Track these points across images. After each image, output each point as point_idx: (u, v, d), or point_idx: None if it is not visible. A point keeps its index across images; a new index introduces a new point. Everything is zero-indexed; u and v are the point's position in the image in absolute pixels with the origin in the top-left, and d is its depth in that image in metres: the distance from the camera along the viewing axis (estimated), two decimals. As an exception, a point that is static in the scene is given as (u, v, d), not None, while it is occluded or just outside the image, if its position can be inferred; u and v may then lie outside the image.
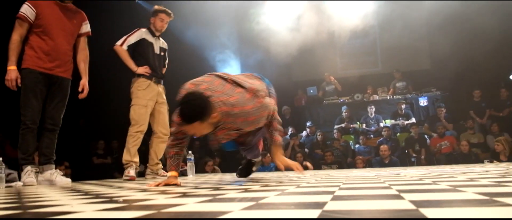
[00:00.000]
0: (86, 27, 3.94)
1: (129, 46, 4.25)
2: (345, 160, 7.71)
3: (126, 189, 2.23)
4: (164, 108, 4.41)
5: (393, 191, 1.36)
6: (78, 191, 2.24)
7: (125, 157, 4.33)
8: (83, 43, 3.94)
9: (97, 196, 1.75)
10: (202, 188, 2.11)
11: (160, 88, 4.38)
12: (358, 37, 10.24)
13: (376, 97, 9.69)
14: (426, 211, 0.82)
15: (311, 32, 9.49)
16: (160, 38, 4.50)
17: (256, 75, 2.81)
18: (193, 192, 1.79)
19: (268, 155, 7.92)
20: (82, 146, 8.77)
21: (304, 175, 2.72)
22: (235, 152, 8.97)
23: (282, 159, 2.57)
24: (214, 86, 2.32)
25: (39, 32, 3.57)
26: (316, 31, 9.46)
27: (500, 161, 6.51)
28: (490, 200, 0.99)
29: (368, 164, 7.29)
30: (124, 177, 4.30)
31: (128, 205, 1.24)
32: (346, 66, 11.03)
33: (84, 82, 3.87)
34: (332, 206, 1.00)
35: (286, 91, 10.69)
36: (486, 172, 2.65)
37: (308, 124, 9.08)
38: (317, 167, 7.25)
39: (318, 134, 8.47)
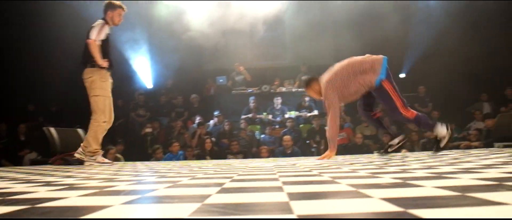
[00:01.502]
0: None
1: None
2: (250, 149, 7.91)
3: (7, 180, 2.07)
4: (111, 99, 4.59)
5: (278, 183, 1.44)
6: (-50, 182, 2.02)
7: (94, 146, 4.41)
8: None
9: (-31, 188, 1.59)
10: (94, 179, 2.03)
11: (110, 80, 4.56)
12: (269, 30, 10.51)
13: (283, 89, 10.06)
14: (295, 204, 0.89)
15: (223, 23, 9.52)
16: None
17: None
18: (82, 183, 1.72)
19: (176, 144, 7.85)
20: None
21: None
22: (141, 140, 8.71)
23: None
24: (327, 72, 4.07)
25: None
26: (228, 22, 9.51)
27: (387, 152, 7.19)
28: (355, 191, 1.10)
29: (272, 154, 7.56)
30: (98, 163, 4.39)
31: (1, 199, 1.15)
32: (256, 58, 11.26)
33: None
34: (215, 199, 1.03)
35: (196, 79, 10.63)
36: (370, 163, 2.91)
37: (216, 113, 9.14)
38: (222, 156, 7.35)
39: (226, 123, 8.56)
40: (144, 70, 10.70)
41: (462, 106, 9.32)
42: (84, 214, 0.82)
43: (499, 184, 1.11)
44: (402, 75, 10.56)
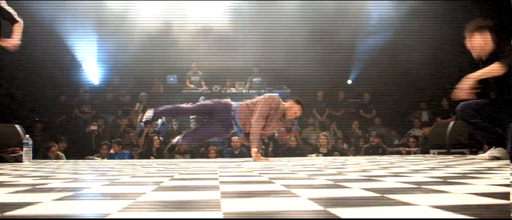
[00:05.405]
0: None
1: None
2: (198, 149, 7.87)
3: None
4: None
5: (216, 182, 1.46)
6: None
7: None
8: None
9: None
10: (29, 176, 1.96)
11: None
12: (223, 31, 10.51)
13: (233, 90, 10.09)
14: (225, 202, 0.92)
15: (176, 21, 9.42)
16: None
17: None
18: (13, 181, 1.66)
19: (115, 145, 7.65)
20: None
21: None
22: (84, 137, 8.40)
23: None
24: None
25: None
26: (181, 21, 9.43)
27: (320, 153, 7.47)
28: (287, 191, 1.15)
29: (220, 154, 7.56)
30: None
31: None
32: (208, 58, 11.22)
33: None
34: (148, 197, 1.04)
35: (144, 77, 10.42)
36: (312, 165, 3.00)
37: (164, 111, 9.00)
38: (170, 156, 7.26)
39: (174, 122, 8.47)
40: (90, 65, 10.30)
41: (403, 113, 9.82)
42: (9, 211, 0.81)
43: (418, 187, 1.21)
44: (349, 82, 10.94)
